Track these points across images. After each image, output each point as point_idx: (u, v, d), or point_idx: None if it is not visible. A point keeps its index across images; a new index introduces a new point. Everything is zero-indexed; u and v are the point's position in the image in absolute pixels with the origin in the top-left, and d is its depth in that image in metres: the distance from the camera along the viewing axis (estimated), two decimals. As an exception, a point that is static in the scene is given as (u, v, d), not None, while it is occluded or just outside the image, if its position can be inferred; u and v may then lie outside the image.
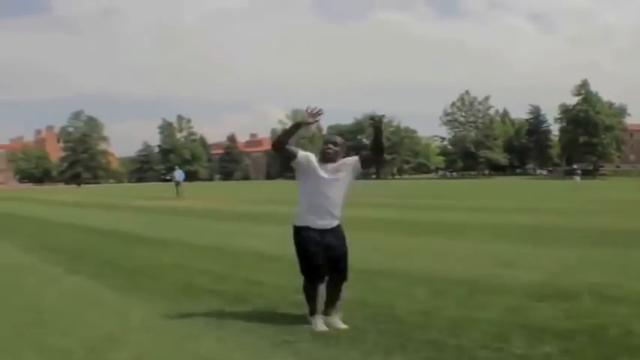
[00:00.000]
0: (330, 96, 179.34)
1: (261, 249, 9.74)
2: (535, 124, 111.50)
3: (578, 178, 54.28)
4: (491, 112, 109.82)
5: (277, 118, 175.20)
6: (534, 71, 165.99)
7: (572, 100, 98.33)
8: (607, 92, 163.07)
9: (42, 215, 20.94)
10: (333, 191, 4.92)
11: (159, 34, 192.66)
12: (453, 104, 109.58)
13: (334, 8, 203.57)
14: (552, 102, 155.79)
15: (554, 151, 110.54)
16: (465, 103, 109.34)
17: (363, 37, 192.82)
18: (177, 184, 34.58)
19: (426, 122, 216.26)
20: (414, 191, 38.93)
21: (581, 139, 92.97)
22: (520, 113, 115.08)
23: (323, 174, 4.91)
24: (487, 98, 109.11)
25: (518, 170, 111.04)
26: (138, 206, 26.24)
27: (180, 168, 40.32)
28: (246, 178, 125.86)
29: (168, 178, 55.55)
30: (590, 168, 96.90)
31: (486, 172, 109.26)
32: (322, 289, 4.90)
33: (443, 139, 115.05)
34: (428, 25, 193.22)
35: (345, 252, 4.98)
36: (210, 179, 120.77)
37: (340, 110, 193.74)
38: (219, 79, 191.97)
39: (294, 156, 4.95)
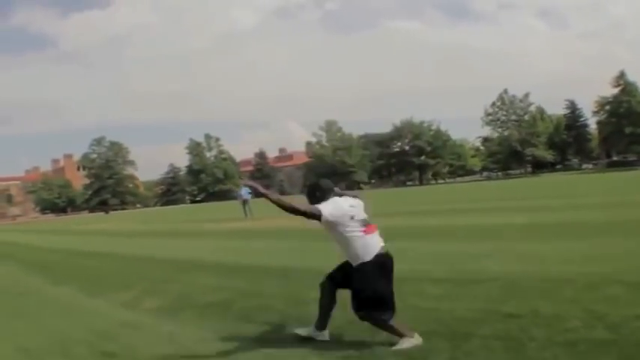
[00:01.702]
0: (344, 107, 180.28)
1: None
2: (573, 119, 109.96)
3: None
4: (532, 109, 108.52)
5: (299, 134, 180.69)
6: (552, 68, 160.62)
7: (607, 92, 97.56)
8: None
9: (109, 249, 17.67)
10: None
11: (171, 60, 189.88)
12: (494, 104, 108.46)
13: (343, 21, 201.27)
14: (575, 96, 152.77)
15: (594, 145, 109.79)
16: (506, 102, 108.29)
17: (374, 46, 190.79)
18: (245, 202, 31.54)
19: (451, 126, 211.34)
20: (497, 194, 35.12)
21: (627, 130, 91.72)
22: (550, 109, 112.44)
23: None
24: (527, 95, 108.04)
25: (558, 167, 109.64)
26: (213, 231, 22.93)
27: (245, 186, 36.51)
28: (282, 193, 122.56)
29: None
30: (634, 159, 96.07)
31: (529, 170, 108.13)
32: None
33: (486, 139, 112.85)
34: (440, 31, 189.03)
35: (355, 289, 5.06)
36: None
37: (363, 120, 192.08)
38: (233, 100, 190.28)
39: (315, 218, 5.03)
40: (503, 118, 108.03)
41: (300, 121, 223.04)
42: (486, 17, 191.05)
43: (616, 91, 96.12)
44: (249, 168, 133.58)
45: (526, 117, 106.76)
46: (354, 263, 5.00)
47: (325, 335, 5.27)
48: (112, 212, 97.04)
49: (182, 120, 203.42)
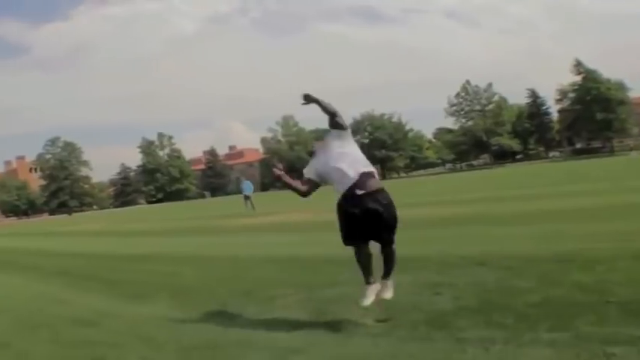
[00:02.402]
0: (283, 105, 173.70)
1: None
2: (535, 107, 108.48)
3: (634, 153, 58.79)
4: (496, 98, 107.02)
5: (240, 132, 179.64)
6: (481, 61, 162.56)
7: (565, 80, 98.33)
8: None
9: (160, 250, 13.97)
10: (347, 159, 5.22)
11: (121, 65, 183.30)
12: (458, 94, 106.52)
13: (272, 25, 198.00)
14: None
15: (556, 133, 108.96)
16: (469, 92, 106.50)
17: (309, 47, 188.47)
18: (247, 197, 30.19)
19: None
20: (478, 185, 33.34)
21: (599, 116, 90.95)
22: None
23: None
24: (490, 85, 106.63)
25: (518, 156, 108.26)
26: (234, 227, 20.39)
27: (247, 179, 34.12)
28: (240, 192, 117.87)
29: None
30: (599, 146, 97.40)
31: (489, 161, 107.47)
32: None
33: (450, 130, 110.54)
34: (364, 32, 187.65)
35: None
36: (202, 196, 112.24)
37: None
38: (177, 102, 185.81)
39: (316, 185, 5.58)
40: (467, 108, 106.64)
41: (242, 119, 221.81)
42: (398, 20, 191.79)
43: (577, 78, 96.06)
44: (200, 166, 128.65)
45: (490, 107, 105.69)
46: (379, 184, 5.15)
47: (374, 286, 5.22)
48: (74, 214, 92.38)
49: (129, 122, 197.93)
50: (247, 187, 30.87)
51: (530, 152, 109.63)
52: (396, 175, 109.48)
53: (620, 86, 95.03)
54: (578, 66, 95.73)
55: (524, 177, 38.45)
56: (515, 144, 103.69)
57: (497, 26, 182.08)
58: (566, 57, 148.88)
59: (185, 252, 13.21)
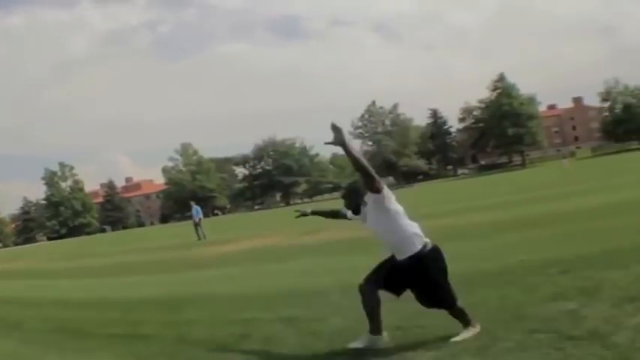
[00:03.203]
0: (175, 133, 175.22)
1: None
2: (436, 127, 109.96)
3: (565, 162, 61.90)
4: (401, 119, 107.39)
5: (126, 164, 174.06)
6: (386, 81, 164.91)
7: (473, 99, 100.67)
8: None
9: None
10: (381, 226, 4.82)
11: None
12: (362, 116, 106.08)
13: (173, 46, 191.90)
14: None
15: (459, 151, 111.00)
16: (374, 113, 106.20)
17: (201, 71, 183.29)
18: (197, 223, 26.75)
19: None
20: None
21: (510, 131, 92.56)
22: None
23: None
24: (395, 106, 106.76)
25: (420, 177, 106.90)
26: (203, 258, 16.86)
27: (196, 204, 29.84)
28: (140, 225, 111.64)
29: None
30: (505, 161, 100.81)
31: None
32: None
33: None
34: (270, 52, 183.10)
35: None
36: (103, 231, 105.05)
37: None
38: (63, 130, 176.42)
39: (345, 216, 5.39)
40: (372, 130, 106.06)
41: (126, 150, 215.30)
42: (318, 35, 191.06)
43: (491, 94, 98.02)
44: (98, 199, 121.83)
45: (395, 128, 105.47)
46: (412, 251, 4.72)
47: (383, 340, 4.87)
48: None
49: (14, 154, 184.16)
50: (196, 212, 27.19)
51: (432, 172, 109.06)
52: (299, 201, 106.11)
53: (531, 101, 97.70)
54: (499, 81, 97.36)
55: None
56: (422, 164, 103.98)
57: (418, 42, 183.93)
58: (477, 74, 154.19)
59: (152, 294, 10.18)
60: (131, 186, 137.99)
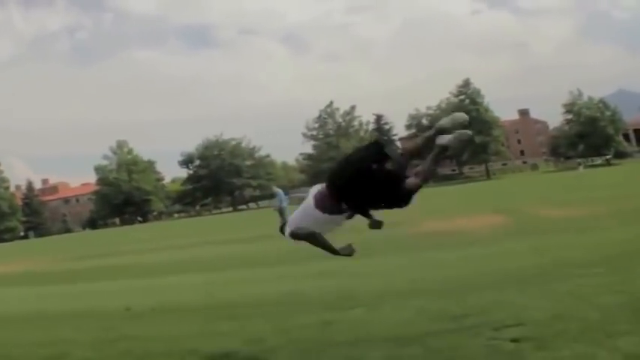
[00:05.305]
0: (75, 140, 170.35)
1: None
2: (382, 134, 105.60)
3: (581, 168, 62.95)
4: (356, 122, 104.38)
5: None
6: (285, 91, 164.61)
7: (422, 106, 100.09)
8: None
9: None
10: None
11: None
12: (319, 117, 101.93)
13: (90, 51, 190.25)
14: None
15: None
16: (331, 115, 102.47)
17: (114, 77, 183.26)
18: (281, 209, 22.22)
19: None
20: None
21: (477, 139, 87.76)
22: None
23: None
24: (353, 108, 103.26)
25: None
26: None
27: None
28: (67, 230, 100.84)
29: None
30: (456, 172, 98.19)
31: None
32: None
33: (309, 155, 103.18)
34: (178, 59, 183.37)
35: None
36: (26, 237, 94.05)
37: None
38: None
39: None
40: (330, 131, 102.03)
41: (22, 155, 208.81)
42: (227, 44, 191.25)
43: (455, 100, 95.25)
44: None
45: (351, 130, 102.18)
46: None
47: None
48: None
49: None
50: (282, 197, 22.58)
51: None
52: (244, 207, 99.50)
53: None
54: (464, 87, 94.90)
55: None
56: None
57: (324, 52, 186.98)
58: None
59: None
60: (46, 189, 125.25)
